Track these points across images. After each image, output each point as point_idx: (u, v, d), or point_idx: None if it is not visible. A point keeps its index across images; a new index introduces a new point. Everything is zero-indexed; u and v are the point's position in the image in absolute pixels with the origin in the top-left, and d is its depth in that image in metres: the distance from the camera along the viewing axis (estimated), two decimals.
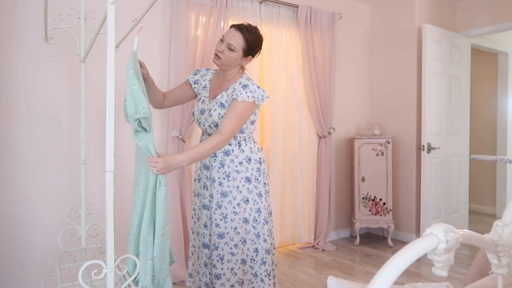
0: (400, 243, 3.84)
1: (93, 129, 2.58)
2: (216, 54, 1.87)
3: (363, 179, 3.87)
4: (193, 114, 2.03)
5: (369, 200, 3.85)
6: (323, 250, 3.66)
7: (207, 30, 3.00)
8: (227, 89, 1.91)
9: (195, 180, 2.11)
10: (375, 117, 4.27)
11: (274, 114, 3.50)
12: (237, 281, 1.93)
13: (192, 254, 2.11)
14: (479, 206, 5.31)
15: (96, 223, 2.11)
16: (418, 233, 3.85)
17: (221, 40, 1.87)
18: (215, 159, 1.93)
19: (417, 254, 0.60)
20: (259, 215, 1.95)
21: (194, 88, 2.06)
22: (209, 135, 1.97)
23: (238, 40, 1.84)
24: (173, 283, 2.84)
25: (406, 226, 3.96)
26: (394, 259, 0.58)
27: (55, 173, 2.52)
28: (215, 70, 2.07)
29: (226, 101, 1.89)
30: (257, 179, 1.96)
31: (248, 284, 1.97)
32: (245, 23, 1.92)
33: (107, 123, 1.12)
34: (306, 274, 3.08)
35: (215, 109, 1.89)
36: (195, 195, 2.10)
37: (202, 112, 1.97)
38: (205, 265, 1.99)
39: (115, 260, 1.20)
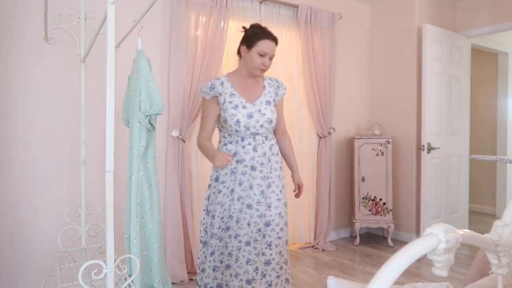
0: (400, 243, 3.84)
1: (93, 129, 2.58)
2: (262, 69, 2.02)
3: (363, 179, 3.87)
4: (237, 123, 1.97)
5: (369, 200, 3.85)
6: (323, 250, 3.66)
7: (207, 30, 3.00)
8: (269, 86, 2.13)
9: (226, 185, 2.03)
10: (375, 117, 4.27)
11: None
12: (284, 261, 2.07)
13: (231, 260, 2.00)
14: (479, 206, 5.31)
15: (96, 223, 2.11)
16: (418, 233, 3.85)
17: (262, 55, 1.98)
18: (264, 156, 2.03)
19: (417, 254, 0.60)
20: (285, 197, 2.15)
21: (220, 100, 2.02)
22: (255, 135, 2.01)
23: (275, 49, 2.04)
24: (173, 283, 2.84)
25: (406, 226, 3.96)
26: (394, 259, 0.58)
27: (55, 173, 2.52)
28: (226, 76, 2.09)
29: (271, 96, 2.10)
30: (281, 168, 2.16)
31: (288, 263, 2.13)
32: (268, 30, 2.04)
33: (107, 123, 1.12)
34: (306, 274, 3.08)
35: (265, 107, 2.04)
36: (235, 199, 2.00)
37: (250, 116, 1.99)
38: (247, 262, 1.96)
39: (115, 260, 1.20)
